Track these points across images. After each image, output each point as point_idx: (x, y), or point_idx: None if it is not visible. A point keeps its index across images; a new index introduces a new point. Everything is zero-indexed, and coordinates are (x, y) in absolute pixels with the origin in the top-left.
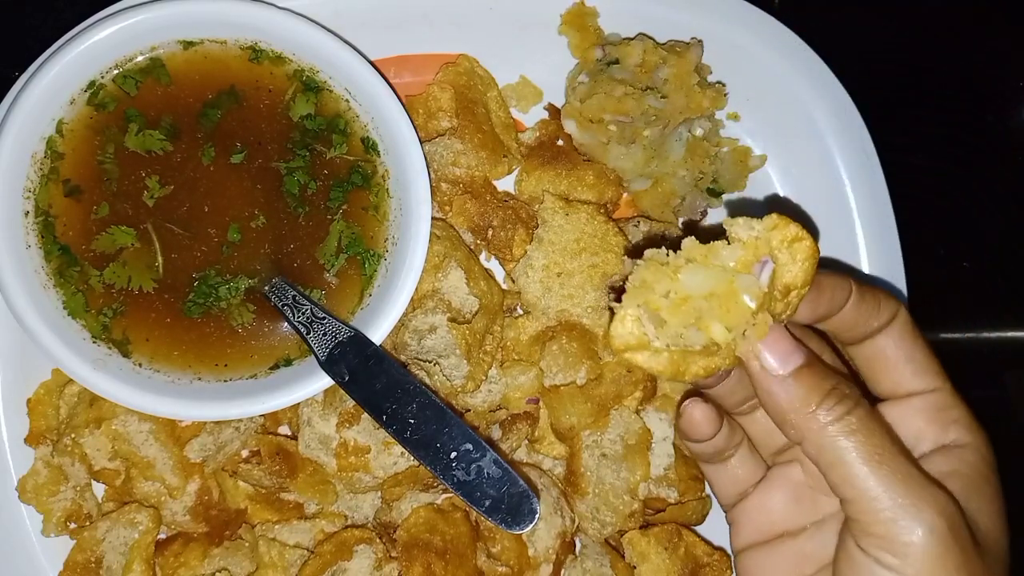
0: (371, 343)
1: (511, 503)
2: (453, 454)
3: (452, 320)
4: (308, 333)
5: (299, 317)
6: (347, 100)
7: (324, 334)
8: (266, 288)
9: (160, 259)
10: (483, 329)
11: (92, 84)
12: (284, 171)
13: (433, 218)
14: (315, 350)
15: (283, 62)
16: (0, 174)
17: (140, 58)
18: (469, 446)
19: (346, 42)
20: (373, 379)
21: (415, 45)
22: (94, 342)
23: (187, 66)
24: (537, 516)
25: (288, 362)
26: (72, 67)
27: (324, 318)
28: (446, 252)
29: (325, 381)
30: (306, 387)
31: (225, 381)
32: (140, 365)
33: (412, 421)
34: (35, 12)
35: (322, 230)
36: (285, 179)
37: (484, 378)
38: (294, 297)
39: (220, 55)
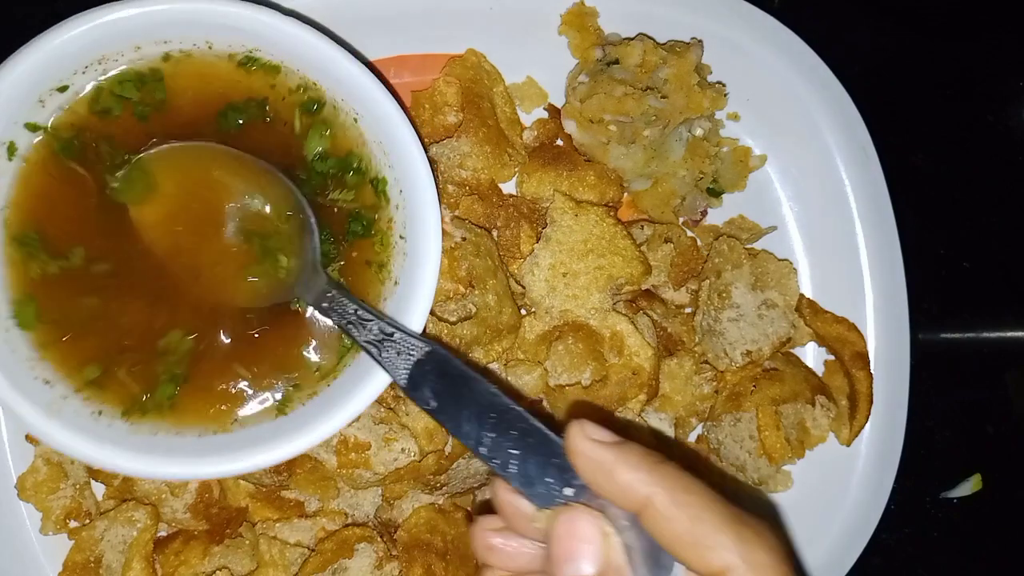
0: (452, 358)
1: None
2: (568, 491)
3: (431, 315)
4: (380, 353)
5: (366, 335)
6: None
7: (399, 353)
8: (324, 304)
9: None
10: (470, 338)
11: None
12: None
13: (468, 221)
14: (392, 373)
15: (280, 72)
16: None
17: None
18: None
19: (357, 56)
20: (461, 403)
21: (415, 45)
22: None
23: (177, 81)
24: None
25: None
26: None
27: (393, 333)
28: (462, 255)
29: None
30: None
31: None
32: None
33: (515, 452)
34: (34, 11)
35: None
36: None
37: None
38: (357, 312)
39: (211, 68)
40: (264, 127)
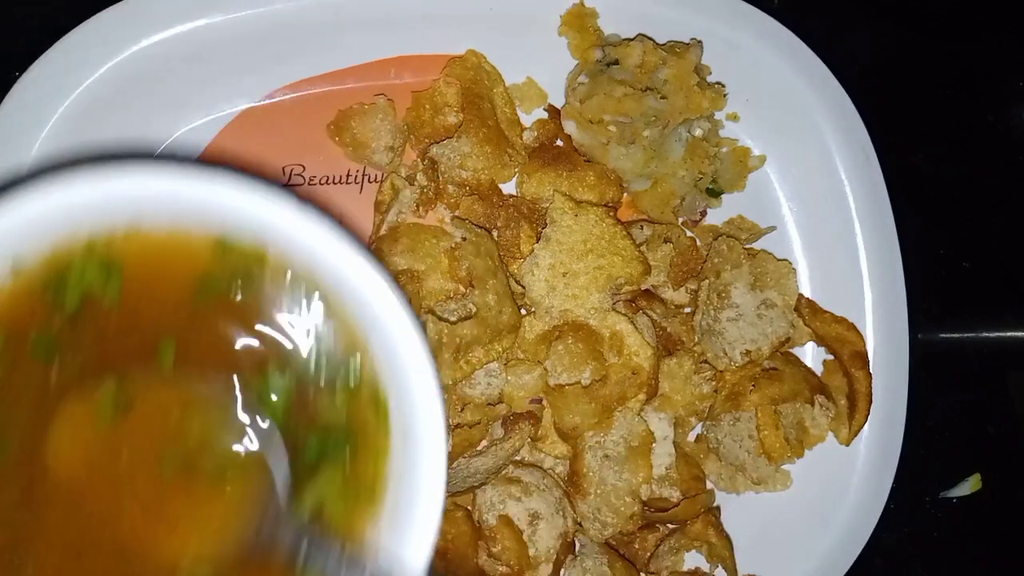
0: None
1: None
2: None
3: (431, 314)
4: None
5: None
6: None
7: None
8: (301, 550)
9: None
10: (471, 338)
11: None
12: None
13: (468, 221)
14: None
15: (266, 260)
16: None
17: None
18: None
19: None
20: None
21: (415, 45)
22: None
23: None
24: None
25: None
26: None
27: None
28: (462, 255)
29: None
30: None
31: None
32: None
33: None
34: (34, 12)
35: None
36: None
37: (451, 383)
38: (345, 556)
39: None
40: (239, 317)
